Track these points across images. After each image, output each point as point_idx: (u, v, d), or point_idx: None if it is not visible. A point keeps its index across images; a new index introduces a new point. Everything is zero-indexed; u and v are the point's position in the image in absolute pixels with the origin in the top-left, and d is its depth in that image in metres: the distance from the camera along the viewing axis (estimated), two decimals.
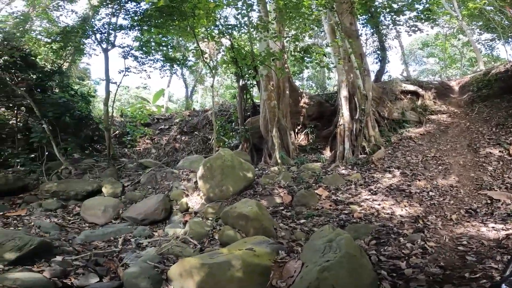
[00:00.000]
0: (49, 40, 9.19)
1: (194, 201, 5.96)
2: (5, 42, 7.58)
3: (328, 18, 8.84)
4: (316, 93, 14.42)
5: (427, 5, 10.20)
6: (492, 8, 13.77)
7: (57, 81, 8.87)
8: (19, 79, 7.66)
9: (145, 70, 9.99)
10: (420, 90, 10.36)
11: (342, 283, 2.19)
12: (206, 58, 9.45)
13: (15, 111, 8.46)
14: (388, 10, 10.43)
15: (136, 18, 8.49)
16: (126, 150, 11.31)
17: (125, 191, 6.57)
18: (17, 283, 2.59)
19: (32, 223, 5.02)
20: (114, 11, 8.54)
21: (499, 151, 6.36)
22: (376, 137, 8.31)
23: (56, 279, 2.91)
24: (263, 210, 4.36)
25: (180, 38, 13.00)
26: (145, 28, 8.65)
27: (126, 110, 15.03)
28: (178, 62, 10.94)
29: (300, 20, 7.75)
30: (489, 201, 4.75)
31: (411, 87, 10.45)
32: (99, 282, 3.03)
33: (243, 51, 7.87)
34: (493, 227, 3.88)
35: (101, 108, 14.26)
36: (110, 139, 8.93)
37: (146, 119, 13.26)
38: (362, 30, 12.61)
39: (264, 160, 8.81)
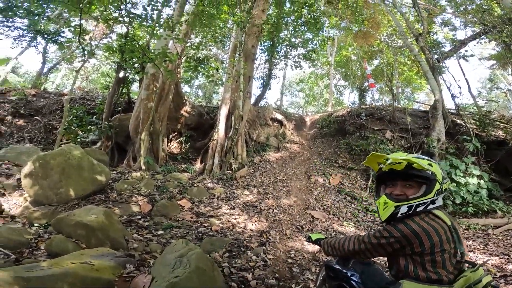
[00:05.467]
0: None
1: (14, 203, 4.57)
2: None
3: (236, 35, 9.27)
4: (200, 103, 14.56)
5: (316, 47, 12.55)
6: (355, 58, 18.22)
7: None
8: None
9: None
10: (284, 120, 12.35)
11: None
12: (85, 39, 7.80)
13: None
14: (286, 43, 12.08)
15: None
16: None
17: None
18: None
19: None
20: None
21: (323, 180, 8.33)
22: (242, 156, 9.13)
23: None
24: (112, 220, 3.81)
25: (65, 10, 10.25)
26: None
27: None
28: (46, 35, 8.55)
29: (211, 29, 7.72)
30: (311, 219, 6.00)
31: (279, 116, 12.29)
32: None
33: (134, 43, 6.96)
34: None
35: None
36: None
37: None
38: (259, 54, 13.93)
39: (127, 163, 7.89)
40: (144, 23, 6.49)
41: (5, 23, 7.63)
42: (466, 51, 12.12)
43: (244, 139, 9.78)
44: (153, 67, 7.19)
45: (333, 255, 1.85)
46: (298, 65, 13.68)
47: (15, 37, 8.53)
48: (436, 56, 10.40)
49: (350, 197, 7.45)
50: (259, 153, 10.19)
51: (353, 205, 7.10)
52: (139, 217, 4.75)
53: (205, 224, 4.87)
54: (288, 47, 12.87)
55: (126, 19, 6.33)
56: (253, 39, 9.43)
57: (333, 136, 11.52)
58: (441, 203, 1.50)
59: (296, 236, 5.08)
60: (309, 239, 2.15)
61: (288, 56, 13.49)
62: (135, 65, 8.22)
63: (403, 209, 1.45)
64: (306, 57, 13.19)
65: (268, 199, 6.71)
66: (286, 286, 3.30)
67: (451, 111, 10.13)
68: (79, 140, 8.50)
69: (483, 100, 13.46)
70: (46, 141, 9.15)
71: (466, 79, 20.29)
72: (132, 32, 7.56)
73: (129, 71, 8.85)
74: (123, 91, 9.42)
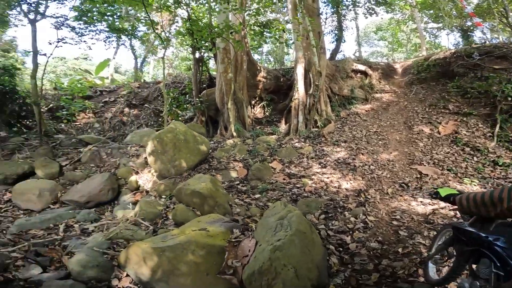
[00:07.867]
0: None
1: (145, 178, 5.66)
2: None
3: None
4: (274, 67, 14.35)
5: None
6: None
7: None
8: None
9: (84, 41, 8.93)
10: (368, 70, 10.94)
11: (294, 262, 2.24)
12: (157, 29, 8.65)
13: None
14: None
15: None
16: (63, 125, 10.10)
17: (63, 171, 5.94)
18: None
19: None
20: None
21: (430, 129, 7.13)
22: (327, 111, 8.72)
23: None
24: (217, 186, 4.31)
25: (130, 7, 11.58)
26: None
27: (61, 82, 13.23)
28: (126, 33, 9.93)
29: None
30: (418, 176, 5.32)
31: (361, 67, 10.96)
32: (43, 273, 2.71)
33: (200, 23, 7.31)
34: (421, 202, 4.29)
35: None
36: (41, 114, 7.94)
37: (86, 91, 11.83)
38: (323, 8, 12.88)
39: (220, 133, 8.70)
40: (201, 0, 6.53)
41: (89, 27, 8.90)
42: None
43: (327, 94, 9.25)
44: (222, 41, 7.44)
45: (476, 213, 1.55)
46: (373, 12, 12.10)
47: (104, 40, 9.94)
48: None
49: (471, 149, 6.17)
50: (344, 107, 9.50)
51: (475, 158, 5.87)
52: (238, 182, 5.17)
53: (298, 185, 4.90)
54: None
55: (183, 1, 6.50)
56: None
57: (436, 80, 9.59)
58: None
59: (401, 196, 4.64)
60: (435, 195, 1.87)
61: (357, 4, 12.07)
62: (206, 43, 8.63)
63: None
64: (380, 2, 11.25)
65: (362, 154, 6.27)
66: (391, 250, 3.04)
67: None
68: (180, 118, 9.81)
69: None
70: (157, 124, 10.88)
71: None
72: (193, 13, 7.94)
73: (203, 50, 9.49)
74: (203, 69, 10.33)
